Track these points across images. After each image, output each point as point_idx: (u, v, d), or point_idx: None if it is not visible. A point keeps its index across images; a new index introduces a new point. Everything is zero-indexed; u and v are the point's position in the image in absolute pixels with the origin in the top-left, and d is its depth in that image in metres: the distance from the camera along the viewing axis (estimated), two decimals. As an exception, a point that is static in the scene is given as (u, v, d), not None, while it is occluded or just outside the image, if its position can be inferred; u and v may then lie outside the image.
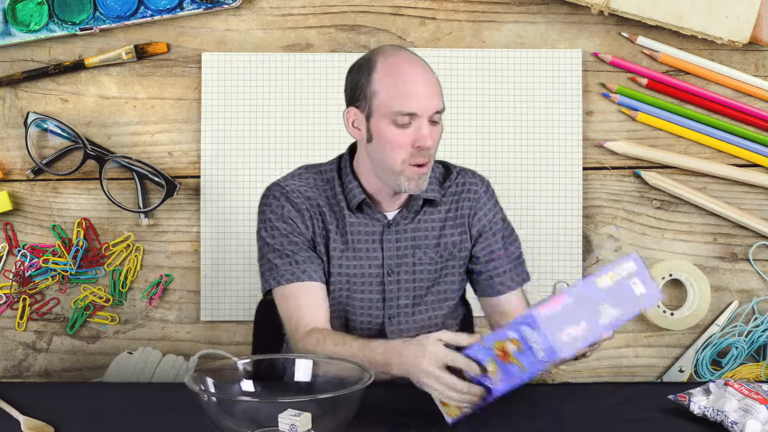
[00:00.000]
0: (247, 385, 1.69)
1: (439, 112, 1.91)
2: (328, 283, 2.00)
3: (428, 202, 2.03)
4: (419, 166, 1.91)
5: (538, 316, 1.54)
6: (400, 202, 2.02)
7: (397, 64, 1.92)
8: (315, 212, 2.00)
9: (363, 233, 2.00)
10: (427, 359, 1.66)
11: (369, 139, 1.94)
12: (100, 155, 2.55)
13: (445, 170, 2.09)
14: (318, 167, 2.06)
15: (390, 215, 2.01)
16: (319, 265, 1.99)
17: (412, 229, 2.02)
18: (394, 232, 2.01)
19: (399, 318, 2.03)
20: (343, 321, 2.02)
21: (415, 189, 1.93)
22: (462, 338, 1.67)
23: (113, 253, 2.60)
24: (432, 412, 1.72)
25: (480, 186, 2.08)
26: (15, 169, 2.60)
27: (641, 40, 2.58)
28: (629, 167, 2.62)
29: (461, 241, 2.05)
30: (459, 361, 1.65)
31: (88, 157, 2.54)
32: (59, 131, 2.57)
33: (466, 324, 2.18)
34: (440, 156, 2.54)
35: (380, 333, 2.02)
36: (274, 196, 2.01)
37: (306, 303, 1.95)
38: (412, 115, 1.89)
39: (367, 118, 1.93)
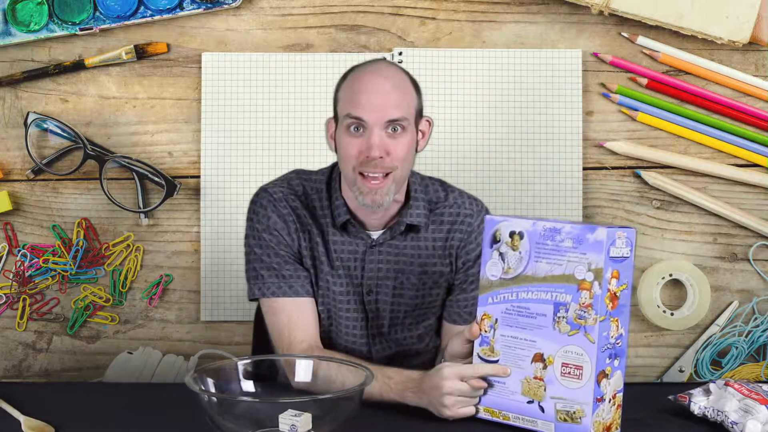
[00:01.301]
0: (248, 385, 1.69)
1: (394, 121, 1.85)
2: (315, 296, 1.98)
3: (413, 227, 1.98)
4: (371, 179, 1.86)
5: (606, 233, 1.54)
6: (384, 223, 1.98)
7: (361, 72, 1.91)
8: (302, 224, 1.97)
9: (346, 251, 1.97)
10: (446, 383, 1.66)
11: (336, 149, 1.94)
12: (100, 155, 2.55)
13: (443, 193, 2.03)
14: (309, 175, 2.03)
15: (374, 235, 1.98)
16: (306, 278, 1.96)
17: (395, 253, 1.98)
18: (377, 252, 1.97)
19: (380, 338, 2.01)
20: (330, 337, 2.00)
21: (371, 204, 1.88)
22: (470, 370, 1.68)
23: (113, 253, 2.60)
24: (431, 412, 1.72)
25: (475, 218, 2.01)
26: (15, 169, 2.60)
27: (641, 40, 2.58)
28: (629, 167, 2.62)
29: (449, 272, 2.01)
30: (475, 371, 1.67)
31: (88, 157, 2.54)
32: (59, 131, 2.57)
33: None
34: (441, 155, 2.57)
35: (367, 353, 2.00)
36: (261, 205, 1.98)
37: (297, 318, 1.93)
38: (359, 120, 1.86)
39: (336, 128, 1.94)
